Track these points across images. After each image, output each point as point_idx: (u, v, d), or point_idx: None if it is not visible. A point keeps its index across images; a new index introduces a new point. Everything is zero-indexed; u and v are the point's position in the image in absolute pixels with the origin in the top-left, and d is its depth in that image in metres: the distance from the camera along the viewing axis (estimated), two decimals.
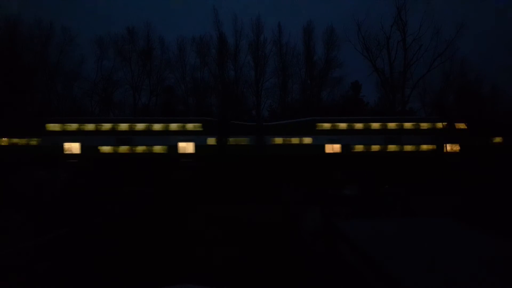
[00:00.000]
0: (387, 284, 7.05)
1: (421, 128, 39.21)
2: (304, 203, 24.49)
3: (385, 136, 40.09)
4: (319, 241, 15.63)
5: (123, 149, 38.97)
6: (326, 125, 41.31)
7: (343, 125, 41.31)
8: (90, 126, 39.39)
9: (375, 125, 41.34)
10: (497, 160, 30.32)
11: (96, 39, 57.91)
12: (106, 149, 38.76)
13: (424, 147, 38.50)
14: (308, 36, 59.21)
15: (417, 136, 38.41)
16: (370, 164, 32.21)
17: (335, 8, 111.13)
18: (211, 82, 58.91)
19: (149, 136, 39.29)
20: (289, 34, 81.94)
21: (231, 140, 39.84)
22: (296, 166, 33.48)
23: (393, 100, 54.88)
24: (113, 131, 39.25)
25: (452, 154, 36.37)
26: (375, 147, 40.02)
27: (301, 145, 40.30)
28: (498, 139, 38.25)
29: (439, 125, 37.27)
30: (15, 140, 37.95)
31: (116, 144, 38.98)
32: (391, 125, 40.88)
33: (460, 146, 37.29)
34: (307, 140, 40.62)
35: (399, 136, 39.47)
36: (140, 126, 39.78)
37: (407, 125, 41.06)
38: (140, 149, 39.01)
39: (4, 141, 38.02)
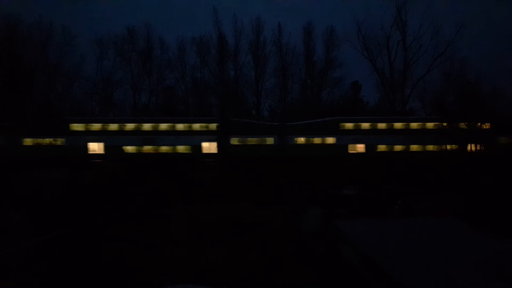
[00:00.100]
0: (387, 284, 7.04)
1: (446, 128, 39.05)
2: (304, 203, 24.53)
3: (408, 136, 39.88)
4: (319, 241, 15.63)
5: (147, 149, 39.02)
6: (350, 125, 41.08)
7: (366, 125, 41.17)
8: (113, 126, 39.54)
9: (398, 125, 41.07)
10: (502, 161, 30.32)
11: (96, 39, 57.80)
12: (130, 149, 38.82)
13: (448, 147, 38.40)
14: (308, 36, 59.13)
15: (441, 136, 38.16)
16: (397, 164, 31.83)
17: (335, 8, 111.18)
18: (211, 82, 58.86)
19: (173, 136, 39.34)
20: (289, 34, 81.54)
21: (255, 140, 39.97)
22: (322, 166, 33.50)
23: (393, 100, 54.83)
24: (137, 131, 39.27)
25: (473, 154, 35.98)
26: (398, 147, 39.83)
27: (324, 145, 40.20)
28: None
29: (462, 125, 37.12)
30: (39, 140, 38.13)
31: (140, 144, 39.05)
32: (414, 125, 40.75)
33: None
34: (331, 140, 40.49)
35: (422, 136, 39.24)
36: (164, 126, 39.79)
37: (429, 125, 40.92)
38: (164, 149, 39.03)
39: (29, 141, 38.10)
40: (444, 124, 38.94)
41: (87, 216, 21.43)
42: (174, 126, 39.79)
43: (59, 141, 38.17)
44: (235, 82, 57.82)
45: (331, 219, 14.84)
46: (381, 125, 41.05)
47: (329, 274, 11.53)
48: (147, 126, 39.59)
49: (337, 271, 10.80)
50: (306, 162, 35.04)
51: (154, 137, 38.90)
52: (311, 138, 40.31)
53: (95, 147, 38.48)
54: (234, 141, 39.45)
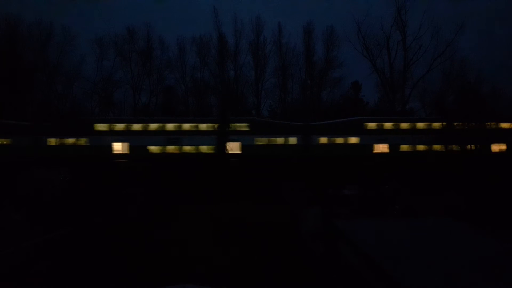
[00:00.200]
0: (387, 284, 7.04)
1: (469, 128, 38.90)
2: (304, 203, 24.53)
3: (431, 136, 39.72)
4: (319, 241, 15.63)
5: (172, 149, 39.13)
6: (374, 125, 41.03)
7: (389, 125, 40.96)
8: (137, 126, 39.67)
9: (421, 125, 40.84)
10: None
11: (96, 39, 57.77)
12: (154, 149, 38.90)
13: (471, 147, 38.28)
14: (308, 36, 59.07)
15: (464, 136, 38.00)
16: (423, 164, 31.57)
17: (335, 8, 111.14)
18: (211, 82, 58.84)
19: (196, 136, 39.50)
20: (289, 34, 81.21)
21: (278, 140, 39.97)
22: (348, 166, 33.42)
23: (393, 100, 54.81)
24: (161, 131, 39.39)
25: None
26: (421, 147, 39.63)
27: (349, 145, 40.09)
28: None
29: (489, 125, 36.95)
30: (63, 140, 38.41)
31: (165, 144, 39.15)
32: (436, 125, 40.63)
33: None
34: (354, 140, 40.41)
35: (446, 136, 39.09)
36: (187, 126, 39.94)
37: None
38: (188, 149, 39.16)
39: (53, 141, 38.33)
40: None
41: (87, 216, 21.43)
42: (197, 126, 40.14)
43: (83, 141, 38.47)
44: (235, 82, 57.79)
45: (331, 219, 14.85)
46: (404, 125, 40.97)
47: (329, 274, 11.54)
48: (170, 126, 39.80)
49: (337, 271, 10.81)
50: (331, 162, 35.02)
51: (178, 137, 39.10)
52: (334, 138, 40.20)
53: (120, 147, 38.72)
54: (260, 140, 39.65)
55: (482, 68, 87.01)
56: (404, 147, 39.70)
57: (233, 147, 38.81)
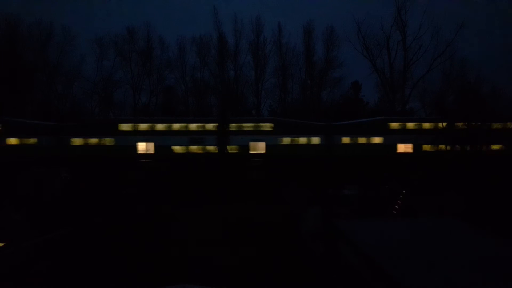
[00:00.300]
0: (387, 284, 7.04)
1: (491, 128, 38.77)
2: (304, 203, 24.53)
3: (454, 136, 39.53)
4: (319, 241, 15.63)
5: (196, 148, 39.29)
6: (398, 125, 40.76)
7: (411, 125, 40.62)
8: (161, 126, 39.86)
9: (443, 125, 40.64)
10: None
11: (96, 39, 57.51)
12: (179, 148, 39.10)
13: (496, 147, 38.08)
14: (308, 36, 58.92)
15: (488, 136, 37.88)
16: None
17: (335, 8, 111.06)
18: (211, 82, 58.74)
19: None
20: (289, 34, 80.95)
21: (302, 140, 40.03)
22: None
23: (393, 100, 54.76)
24: (185, 131, 39.55)
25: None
26: (443, 147, 39.20)
27: (372, 145, 39.99)
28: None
29: (510, 125, 36.74)
30: (88, 140, 38.63)
31: (189, 144, 39.34)
32: (459, 125, 40.41)
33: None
34: (378, 139, 40.46)
35: (468, 136, 38.84)
36: (211, 126, 39.96)
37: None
38: (212, 148, 39.24)
39: (77, 141, 38.63)
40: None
41: (87, 216, 21.44)
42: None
43: (108, 141, 38.77)
44: (235, 82, 57.72)
45: (331, 219, 14.85)
46: (426, 125, 40.87)
47: (329, 274, 11.53)
48: (194, 126, 39.93)
49: (337, 271, 10.80)
50: (355, 162, 35.04)
51: (202, 137, 39.11)
52: (358, 138, 40.10)
53: (144, 147, 39.02)
54: (284, 140, 39.66)
55: (482, 68, 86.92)
56: (427, 147, 39.65)
57: (258, 147, 39.18)
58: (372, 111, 57.92)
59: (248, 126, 39.99)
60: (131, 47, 57.66)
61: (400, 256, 7.89)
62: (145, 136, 38.91)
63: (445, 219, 11.88)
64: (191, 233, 19.13)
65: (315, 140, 39.88)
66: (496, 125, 37.37)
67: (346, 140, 39.99)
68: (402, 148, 39.95)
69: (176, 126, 39.57)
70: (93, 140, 38.45)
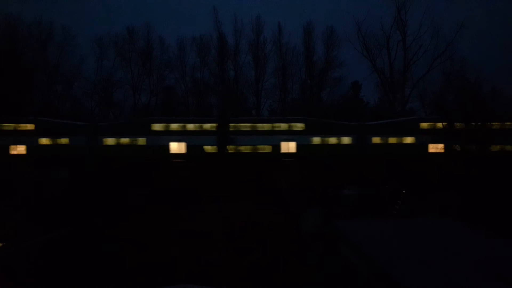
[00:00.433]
0: (387, 284, 7.04)
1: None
2: (304, 203, 24.52)
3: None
4: (319, 241, 15.63)
5: (228, 148, 39.26)
6: (428, 125, 40.89)
7: (440, 125, 40.61)
8: (193, 126, 40.11)
9: (498, 125, 39.60)
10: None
11: (96, 39, 57.68)
12: (210, 148, 39.25)
13: (496, 147, 38.04)
14: (308, 36, 59.02)
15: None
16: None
17: (335, 8, 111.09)
18: (211, 82, 58.82)
19: (252, 136, 39.77)
20: (289, 34, 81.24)
21: (333, 140, 40.09)
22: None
23: (393, 100, 54.82)
24: (216, 131, 39.48)
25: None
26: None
27: (404, 145, 40.13)
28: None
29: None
30: (120, 140, 39.06)
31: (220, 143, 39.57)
32: (495, 125, 40.26)
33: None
34: (410, 139, 40.48)
35: (503, 135, 38.67)
36: (243, 126, 40.23)
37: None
38: (244, 148, 39.48)
39: (109, 141, 38.96)
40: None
41: (87, 216, 21.44)
42: (254, 126, 40.49)
43: (141, 141, 39.11)
44: (235, 82, 57.77)
45: (331, 219, 14.84)
46: (458, 125, 40.82)
47: (329, 274, 11.53)
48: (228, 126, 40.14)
49: (337, 271, 10.80)
50: (389, 162, 35.02)
51: (234, 136, 39.12)
52: (389, 138, 40.34)
53: (176, 147, 39.28)
54: (314, 140, 39.88)
55: (482, 68, 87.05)
56: (458, 147, 39.68)
57: (289, 147, 39.27)
58: (372, 111, 57.97)
59: (279, 126, 40.23)
60: (131, 47, 57.80)
61: (400, 256, 7.89)
62: (176, 136, 39.33)
63: (445, 219, 11.88)
64: (191, 233, 19.13)
65: (347, 140, 40.03)
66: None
67: (376, 140, 40.24)
68: (433, 148, 39.76)
69: (207, 126, 39.99)
70: (125, 140, 38.89)
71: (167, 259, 14.80)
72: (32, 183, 26.80)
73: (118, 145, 38.74)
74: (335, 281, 10.78)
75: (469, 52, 61.93)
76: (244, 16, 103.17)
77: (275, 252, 15.67)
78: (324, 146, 39.78)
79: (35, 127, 38.28)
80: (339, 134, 40.11)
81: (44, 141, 38.08)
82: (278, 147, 39.45)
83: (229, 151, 38.24)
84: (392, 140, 40.31)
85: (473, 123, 36.07)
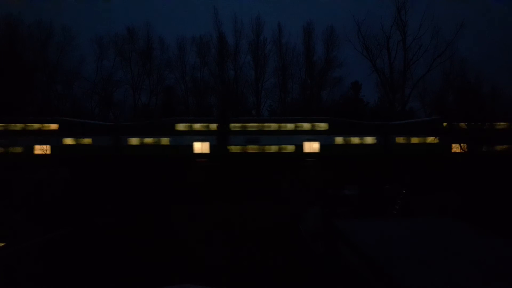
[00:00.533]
0: (387, 284, 7.04)
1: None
2: (304, 203, 24.52)
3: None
4: (319, 241, 15.63)
5: (251, 148, 39.65)
6: (454, 125, 40.73)
7: (462, 125, 40.64)
8: (216, 126, 40.09)
9: (502, 125, 39.66)
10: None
11: (96, 39, 57.78)
12: (234, 148, 39.38)
13: (496, 147, 37.98)
14: (308, 36, 59.02)
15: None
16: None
17: (335, 8, 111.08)
18: (211, 82, 58.82)
19: (276, 136, 39.86)
20: (289, 34, 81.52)
21: (357, 140, 39.98)
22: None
23: (393, 100, 54.82)
24: (240, 131, 39.92)
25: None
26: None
27: (427, 145, 39.80)
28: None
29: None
30: (145, 140, 39.24)
31: (244, 143, 39.67)
32: (495, 125, 40.20)
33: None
34: (433, 139, 39.71)
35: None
36: (266, 126, 40.32)
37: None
38: (267, 148, 39.61)
39: (134, 140, 39.14)
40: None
41: (87, 216, 21.44)
42: (279, 126, 40.48)
43: (164, 141, 39.28)
44: (235, 82, 57.78)
45: (331, 219, 14.83)
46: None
47: (329, 274, 11.53)
48: (251, 126, 40.34)
49: (337, 271, 10.80)
50: (413, 162, 34.57)
51: (258, 136, 39.55)
52: (412, 138, 40.15)
53: (200, 147, 39.40)
54: (337, 140, 39.84)
55: (482, 68, 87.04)
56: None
57: (312, 147, 39.26)
58: (372, 111, 57.97)
59: (302, 126, 40.24)
60: (131, 47, 57.86)
61: (400, 256, 7.89)
62: (200, 136, 39.50)
63: (445, 219, 11.88)
64: (191, 232, 19.13)
65: (371, 140, 39.95)
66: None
67: (399, 139, 40.01)
68: (457, 148, 40.08)
69: (233, 126, 40.01)
70: (149, 140, 39.09)
71: (167, 259, 14.80)
72: (32, 183, 26.78)
73: (142, 145, 38.95)
74: (335, 281, 10.78)
75: (469, 52, 61.96)
76: (244, 16, 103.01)
77: (275, 252, 15.67)
78: (346, 146, 39.62)
79: (59, 127, 38.57)
80: (362, 134, 39.96)
81: (68, 141, 38.35)
82: (301, 147, 39.45)
83: (249, 151, 38.82)
84: (415, 140, 40.13)
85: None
